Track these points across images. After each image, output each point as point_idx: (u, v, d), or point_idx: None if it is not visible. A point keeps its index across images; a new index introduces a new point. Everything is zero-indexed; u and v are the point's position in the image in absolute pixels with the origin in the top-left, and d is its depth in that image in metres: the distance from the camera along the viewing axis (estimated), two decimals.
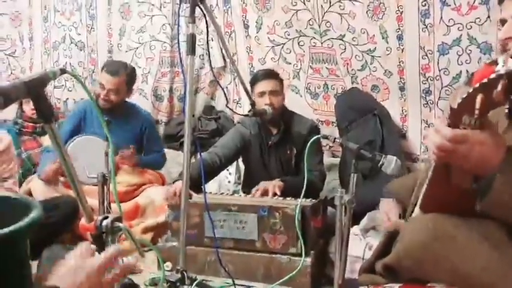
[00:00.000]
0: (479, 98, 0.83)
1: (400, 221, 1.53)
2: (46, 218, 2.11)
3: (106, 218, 0.97)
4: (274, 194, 2.17)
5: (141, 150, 2.79)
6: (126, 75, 2.67)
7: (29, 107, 3.15)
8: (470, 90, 0.83)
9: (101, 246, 1.00)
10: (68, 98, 3.68)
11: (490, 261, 0.97)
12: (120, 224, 0.96)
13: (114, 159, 2.27)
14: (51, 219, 2.12)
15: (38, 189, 2.44)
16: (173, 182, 2.22)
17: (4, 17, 3.81)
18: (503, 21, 1.14)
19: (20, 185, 2.55)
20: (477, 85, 0.83)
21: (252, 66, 3.14)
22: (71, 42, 3.64)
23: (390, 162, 1.37)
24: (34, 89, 0.76)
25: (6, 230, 0.54)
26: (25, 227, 0.57)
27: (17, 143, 3.04)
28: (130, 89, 2.75)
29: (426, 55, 2.61)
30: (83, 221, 0.98)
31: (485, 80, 0.82)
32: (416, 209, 1.31)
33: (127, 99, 2.79)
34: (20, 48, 3.82)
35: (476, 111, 0.85)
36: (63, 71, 0.87)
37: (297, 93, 3.05)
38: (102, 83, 2.63)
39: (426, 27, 2.57)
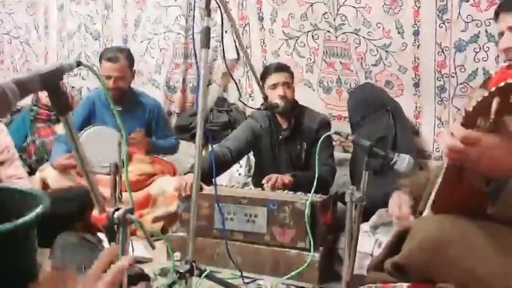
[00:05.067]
0: (495, 102, 0.82)
1: (410, 215, 1.52)
2: (59, 207, 2.15)
3: (118, 209, 0.98)
4: (284, 185, 2.18)
5: (150, 136, 2.81)
6: (126, 58, 2.67)
7: (44, 94, 3.19)
8: (486, 93, 0.82)
9: (112, 237, 1.01)
10: (82, 87, 3.71)
11: (505, 266, 0.96)
12: (132, 216, 0.97)
13: (127, 150, 2.29)
14: (64, 209, 2.15)
15: (52, 177, 2.48)
16: (184, 174, 2.23)
17: (20, 4, 3.85)
18: (501, 34, 1.23)
19: (34, 173, 2.59)
20: (493, 89, 0.82)
21: (265, 59, 3.13)
22: (86, 32, 3.66)
23: (403, 161, 1.36)
24: (50, 81, 0.76)
25: (12, 223, 0.55)
26: (31, 221, 0.58)
27: (31, 130, 3.09)
28: (132, 71, 2.75)
29: (442, 51, 2.57)
30: (95, 212, 0.99)
31: (502, 84, 0.81)
32: (427, 209, 1.30)
33: (133, 88, 2.81)
34: (34, 36, 3.86)
35: (492, 115, 0.84)
36: (79, 63, 0.87)
37: (309, 87, 3.04)
38: (107, 74, 2.61)
39: (443, 22, 2.53)
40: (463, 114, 0.89)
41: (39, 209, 0.62)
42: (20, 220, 0.58)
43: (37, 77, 0.75)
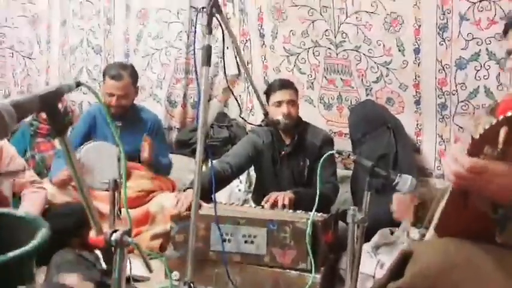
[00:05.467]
0: (503, 131, 0.81)
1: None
2: (56, 223, 2.12)
3: (115, 231, 0.96)
4: (284, 206, 2.15)
5: None
6: (130, 76, 2.66)
7: None
8: (494, 121, 0.81)
9: (109, 258, 0.99)
10: (82, 101, 3.71)
11: None
12: (129, 239, 0.95)
13: (125, 166, 2.28)
14: (61, 225, 2.12)
15: (50, 193, 2.45)
16: (184, 190, 2.21)
17: (23, 19, 3.87)
18: (510, 52, 1.19)
19: None
20: (501, 118, 0.80)
21: (266, 75, 3.14)
22: (88, 46, 3.67)
23: (405, 182, 1.35)
24: (48, 103, 0.75)
25: (14, 253, 0.53)
26: (33, 250, 0.56)
27: (31, 145, 3.08)
28: (135, 88, 2.74)
29: (443, 69, 2.57)
30: (92, 234, 0.98)
31: (510, 114, 0.80)
32: (431, 230, 1.28)
33: (135, 103, 2.80)
34: (36, 50, 3.87)
35: (500, 145, 0.83)
36: (78, 84, 0.87)
37: (310, 103, 3.03)
38: (110, 92, 2.61)
39: (444, 40, 2.53)
40: (469, 141, 0.87)
41: (36, 241, 0.60)
42: (14, 252, 0.56)
43: (36, 98, 0.74)
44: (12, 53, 3.96)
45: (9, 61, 3.98)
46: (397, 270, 1.21)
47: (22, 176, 2.26)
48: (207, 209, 1.98)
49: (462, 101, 2.57)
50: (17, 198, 2.26)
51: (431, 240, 1.18)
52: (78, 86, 0.85)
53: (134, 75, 2.72)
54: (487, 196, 0.92)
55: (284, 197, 2.19)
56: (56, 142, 3.06)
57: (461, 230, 1.04)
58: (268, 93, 2.45)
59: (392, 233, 2.00)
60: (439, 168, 2.72)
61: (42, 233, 0.56)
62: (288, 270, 1.87)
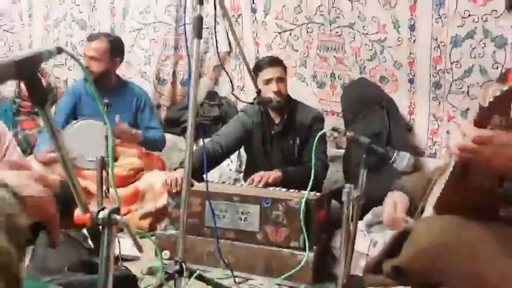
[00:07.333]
0: None
1: (405, 218, 1.47)
2: None
3: (103, 209, 0.91)
4: (267, 185, 2.13)
5: (136, 127, 2.72)
6: (108, 41, 2.55)
7: None
8: (505, 88, 0.76)
9: (96, 239, 0.94)
10: (67, 78, 3.59)
11: (509, 271, 0.92)
12: (118, 217, 0.90)
13: (113, 143, 2.21)
14: None
15: (35, 170, 2.38)
16: (174, 170, 2.16)
17: None
18: None
19: None
20: None
21: (258, 52, 3.06)
22: (72, 20, 3.54)
23: (403, 159, 1.31)
24: (26, 70, 0.68)
25: None
26: None
27: (14, 123, 2.99)
28: (114, 59, 2.62)
29: (438, 47, 2.53)
30: (77, 212, 0.92)
31: None
32: (429, 208, 1.25)
33: (121, 77, 2.71)
34: (18, 25, 3.72)
35: (511, 115, 0.79)
36: (59, 50, 0.79)
37: (302, 81, 2.98)
38: (84, 52, 2.55)
39: (440, 17, 2.48)
40: (477, 110, 0.83)
41: None
42: None
43: (11, 64, 0.67)
44: None
45: None
46: (394, 247, 1.19)
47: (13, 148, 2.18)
48: (199, 187, 1.94)
49: (456, 80, 2.53)
50: None
51: (431, 218, 1.15)
52: (60, 53, 0.78)
53: (115, 45, 2.60)
54: (493, 168, 0.89)
55: (269, 176, 2.16)
56: (40, 120, 2.97)
57: (462, 207, 1.01)
58: (256, 71, 2.39)
59: None
60: (430, 147, 2.71)
61: None
62: (280, 249, 1.85)
